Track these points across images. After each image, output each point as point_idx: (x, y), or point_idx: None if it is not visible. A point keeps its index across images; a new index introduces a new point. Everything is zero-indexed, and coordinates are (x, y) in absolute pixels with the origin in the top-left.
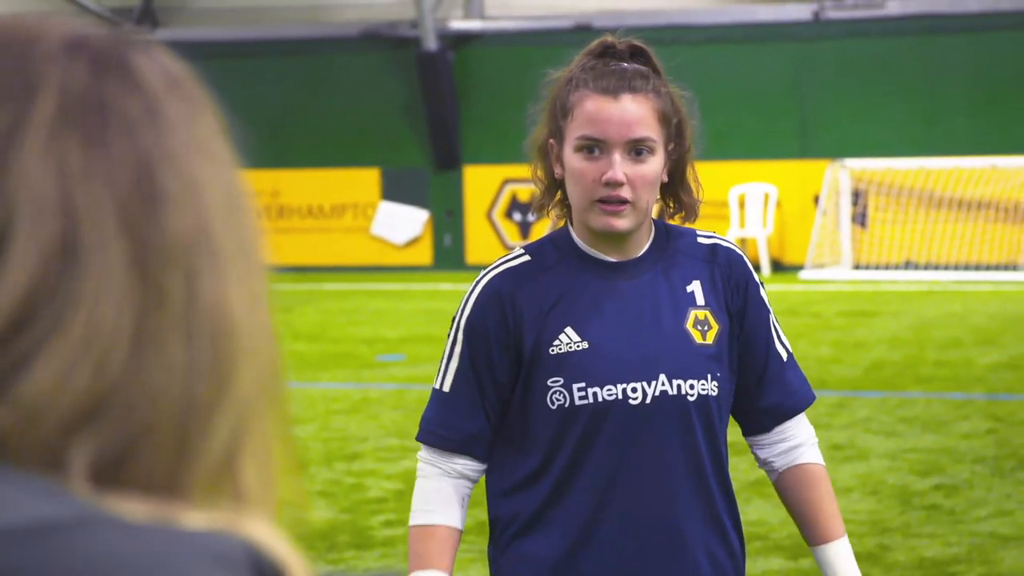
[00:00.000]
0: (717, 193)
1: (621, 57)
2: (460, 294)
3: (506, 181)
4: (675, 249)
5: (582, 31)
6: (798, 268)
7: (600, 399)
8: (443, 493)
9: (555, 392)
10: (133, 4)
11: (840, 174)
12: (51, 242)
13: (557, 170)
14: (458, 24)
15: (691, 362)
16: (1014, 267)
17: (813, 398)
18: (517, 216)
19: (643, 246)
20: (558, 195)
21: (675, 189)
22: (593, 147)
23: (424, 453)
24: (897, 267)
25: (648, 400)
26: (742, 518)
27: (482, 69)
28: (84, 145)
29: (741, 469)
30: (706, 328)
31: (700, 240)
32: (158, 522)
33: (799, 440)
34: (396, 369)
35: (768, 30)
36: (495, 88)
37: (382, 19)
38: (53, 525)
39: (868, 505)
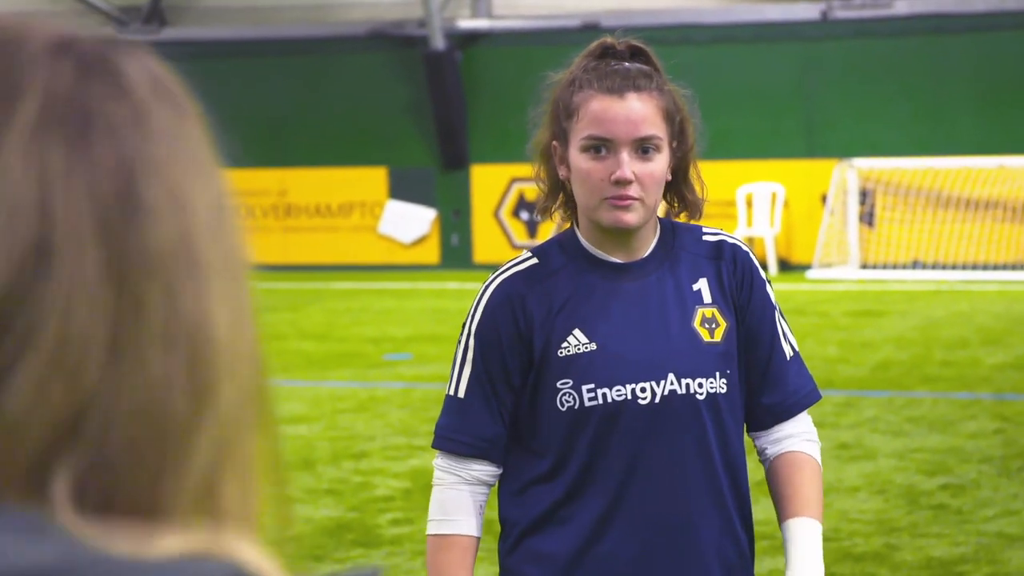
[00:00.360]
0: (724, 192)
1: (622, 57)
2: (467, 293)
3: (513, 180)
4: (681, 247)
5: (589, 30)
6: (805, 268)
7: (610, 400)
8: (461, 501)
9: (564, 394)
10: (141, 3)
11: (848, 174)
12: (24, 245)
13: (562, 171)
14: (465, 23)
15: (699, 361)
16: (1022, 267)
17: (817, 397)
18: (524, 215)
19: (649, 246)
20: (561, 197)
21: (679, 187)
22: (600, 147)
23: (440, 460)
24: (904, 267)
25: (657, 400)
26: None
27: (489, 68)
28: (66, 148)
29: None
30: (714, 326)
31: (706, 237)
32: (142, 560)
33: (794, 431)
34: (403, 368)
35: (776, 29)
36: (502, 87)
37: (389, 18)
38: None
39: (875, 505)
